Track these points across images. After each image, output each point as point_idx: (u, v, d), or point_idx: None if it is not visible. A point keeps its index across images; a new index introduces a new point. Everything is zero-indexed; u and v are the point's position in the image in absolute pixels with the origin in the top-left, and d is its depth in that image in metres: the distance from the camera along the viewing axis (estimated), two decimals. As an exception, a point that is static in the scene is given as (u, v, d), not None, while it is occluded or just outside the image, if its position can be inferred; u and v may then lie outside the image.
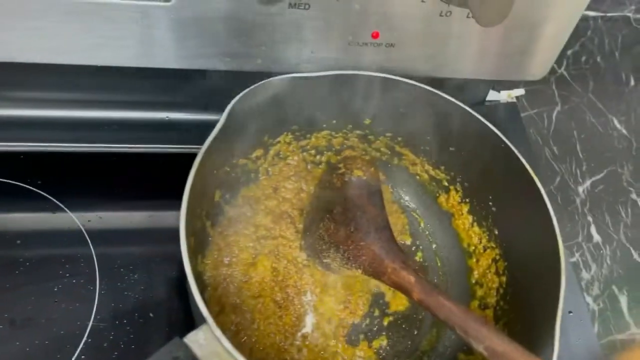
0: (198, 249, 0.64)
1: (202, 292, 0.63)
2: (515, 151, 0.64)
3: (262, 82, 0.62)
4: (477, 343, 0.51)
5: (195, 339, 0.46)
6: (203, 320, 0.47)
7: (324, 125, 0.74)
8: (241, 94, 0.61)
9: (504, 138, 0.64)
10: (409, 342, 0.68)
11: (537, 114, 0.89)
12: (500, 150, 0.65)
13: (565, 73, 0.92)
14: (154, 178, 0.75)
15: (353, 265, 0.63)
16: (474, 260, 0.73)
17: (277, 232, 0.71)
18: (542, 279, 0.60)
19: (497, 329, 0.51)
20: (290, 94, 0.66)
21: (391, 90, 0.69)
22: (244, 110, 0.62)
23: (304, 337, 0.65)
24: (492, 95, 0.89)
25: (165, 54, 0.66)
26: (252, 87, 0.62)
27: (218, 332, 0.46)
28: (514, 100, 0.90)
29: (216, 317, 0.63)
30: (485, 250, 0.71)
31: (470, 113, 0.67)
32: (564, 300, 0.55)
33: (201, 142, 0.61)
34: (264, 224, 0.71)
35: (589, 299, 0.76)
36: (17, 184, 0.72)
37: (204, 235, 0.66)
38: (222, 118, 0.59)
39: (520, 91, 0.90)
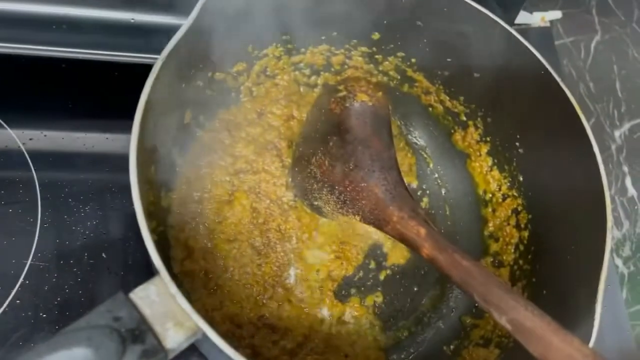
0: (161, 180, 0.52)
1: (164, 232, 0.52)
2: (559, 81, 0.51)
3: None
4: (500, 314, 0.41)
5: (145, 295, 0.35)
6: (154, 271, 0.36)
7: (323, 38, 0.61)
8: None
9: (546, 64, 0.52)
10: (408, 300, 0.59)
11: (573, 42, 0.76)
12: (538, 80, 0.53)
13: (608, -3, 0.78)
14: (114, 93, 0.62)
15: (350, 210, 0.51)
16: (490, 210, 0.62)
17: (259, 166, 0.59)
18: (577, 237, 0.50)
19: (525, 298, 0.41)
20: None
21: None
22: (221, 8, 0.49)
23: (286, 289, 0.55)
24: (523, 18, 0.75)
25: None
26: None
27: (173, 288, 0.35)
28: (548, 24, 0.76)
29: (182, 262, 0.53)
30: (504, 199, 0.60)
31: (506, 30, 0.54)
32: (607, 264, 0.45)
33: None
34: (244, 155, 0.59)
35: (618, 261, 0.66)
36: (-60, 91, 0.59)
37: (170, 164, 0.54)
38: (191, 16, 0.46)
39: (556, 14, 0.76)
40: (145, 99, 0.41)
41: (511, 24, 0.75)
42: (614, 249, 0.66)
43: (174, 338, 0.35)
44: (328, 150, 0.54)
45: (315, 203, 0.55)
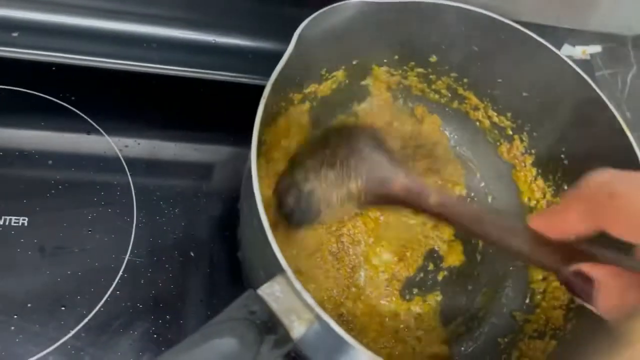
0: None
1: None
2: (607, 101, 0.57)
3: (336, 5, 0.55)
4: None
5: (271, 292, 0.41)
6: (277, 270, 0.42)
7: (385, 61, 0.67)
8: (311, 17, 0.53)
9: (594, 86, 0.58)
10: (464, 298, 0.65)
11: (611, 75, 0.82)
12: (586, 102, 0.59)
13: (643, 33, 0.84)
14: (198, 107, 0.68)
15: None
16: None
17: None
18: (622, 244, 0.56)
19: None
20: (360, 22, 0.58)
21: (467, 23, 0.61)
22: (311, 37, 0.54)
23: (359, 289, 0.61)
24: (566, 50, 0.82)
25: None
26: (324, 9, 0.54)
27: (298, 285, 0.41)
28: (588, 57, 0.83)
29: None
30: (549, 206, 0.66)
31: (557, 55, 0.60)
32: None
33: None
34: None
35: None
36: (48, 98, 0.64)
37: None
38: (291, 44, 0.52)
39: (596, 48, 0.83)
40: (260, 118, 0.47)
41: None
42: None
43: (298, 329, 0.41)
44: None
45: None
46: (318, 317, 0.41)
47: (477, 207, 0.47)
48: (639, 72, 0.79)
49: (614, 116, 0.57)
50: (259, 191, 0.44)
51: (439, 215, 0.48)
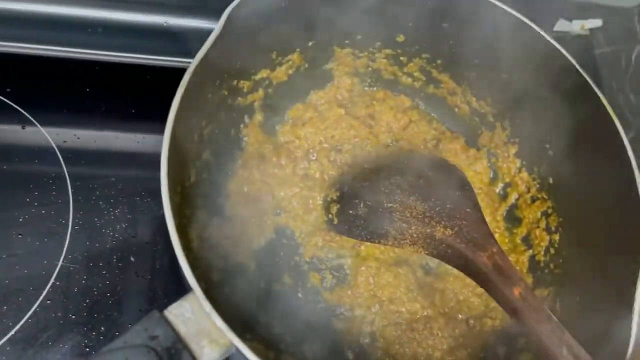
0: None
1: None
2: (592, 84, 0.50)
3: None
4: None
5: (180, 313, 0.36)
6: (188, 287, 0.37)
7: (346, 42, 0.60)
8: (243, -6, 0.47)
9: (583, 73, 0.51)
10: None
11: (613, 52, 0.73)
12: (570, 83, 0.52)
13: (651, 6, 0.75)
14: (145, 95, 0.63)
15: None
16: (519, 212, 0.61)
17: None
18: (612, 243, 0.49)
19: None
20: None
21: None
22: (247, 16, 0.49)
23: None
24: (562, 25, 0.73)
25: None
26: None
27: (207, 307, 0.35)
28: (588, 32, 0.75)
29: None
30: (533, 201, 0.60)
31: (538, 33, 0.53)
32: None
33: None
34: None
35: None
36: (-22, 90, 0.60)
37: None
38: (219, 24, 0.46)
39: (596, 22, 0.74)
40: (176, 106, 0.41)
41: (549, 30, 0.73)
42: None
43: (209, 355, 0.35)
44: None
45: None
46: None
47: (556, 320, 0.43)
48: (646, 49, 0.71)
49: (601, 103, 0.50)
50: (168, 199, 0.38)
51: (514, 312, 0.44)
